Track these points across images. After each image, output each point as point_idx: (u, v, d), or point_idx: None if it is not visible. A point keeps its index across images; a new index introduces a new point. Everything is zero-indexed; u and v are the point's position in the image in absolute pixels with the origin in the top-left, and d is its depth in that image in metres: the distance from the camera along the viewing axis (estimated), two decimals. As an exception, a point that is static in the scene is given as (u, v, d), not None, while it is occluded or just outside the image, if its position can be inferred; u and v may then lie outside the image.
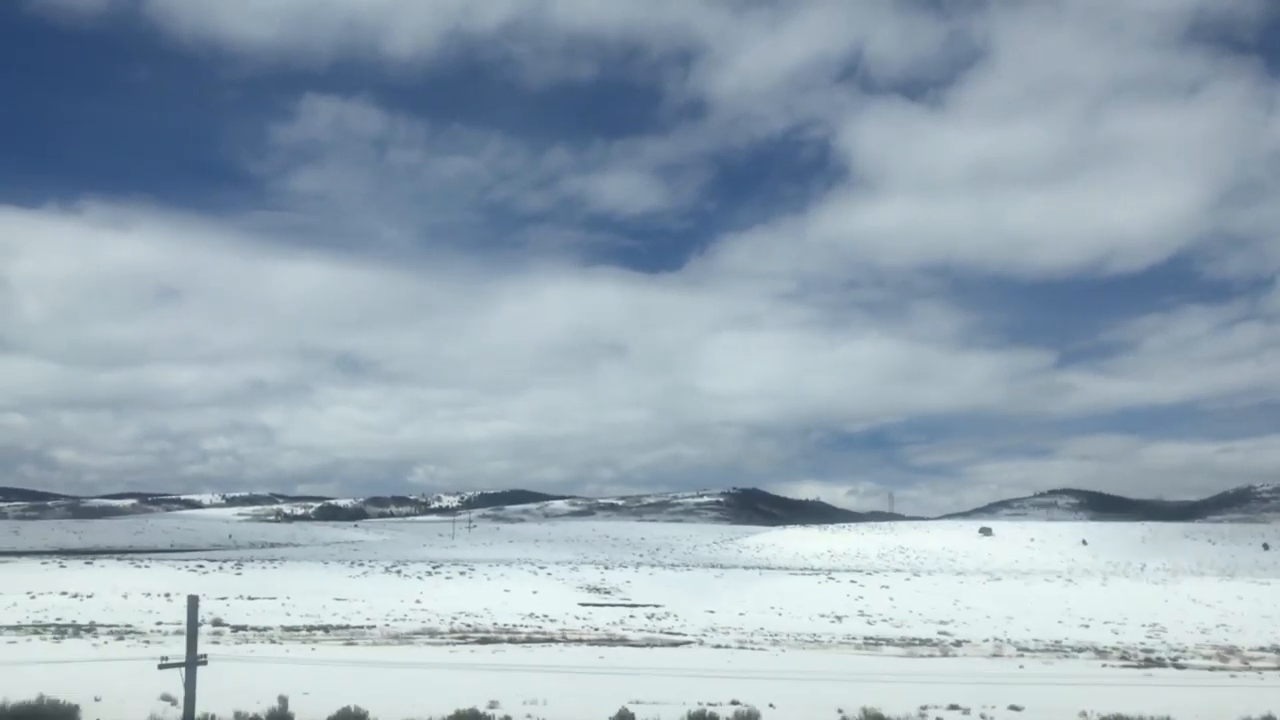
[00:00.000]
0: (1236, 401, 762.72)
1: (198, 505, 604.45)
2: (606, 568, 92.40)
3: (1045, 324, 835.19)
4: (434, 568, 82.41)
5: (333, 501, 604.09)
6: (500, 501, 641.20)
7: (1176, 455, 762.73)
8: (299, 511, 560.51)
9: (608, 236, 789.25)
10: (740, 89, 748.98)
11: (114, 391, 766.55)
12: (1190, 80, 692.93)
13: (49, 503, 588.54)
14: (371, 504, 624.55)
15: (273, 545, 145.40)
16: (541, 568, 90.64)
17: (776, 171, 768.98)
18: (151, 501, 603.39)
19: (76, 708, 24.49)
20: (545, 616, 63.93)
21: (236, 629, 50.42)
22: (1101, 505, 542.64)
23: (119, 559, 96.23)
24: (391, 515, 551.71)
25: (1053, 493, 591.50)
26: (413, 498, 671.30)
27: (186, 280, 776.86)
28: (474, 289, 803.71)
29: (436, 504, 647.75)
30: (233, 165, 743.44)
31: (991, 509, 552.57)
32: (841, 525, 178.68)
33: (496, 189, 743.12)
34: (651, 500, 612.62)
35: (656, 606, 70.74)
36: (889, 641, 55.51)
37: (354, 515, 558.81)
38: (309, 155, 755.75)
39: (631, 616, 66.03)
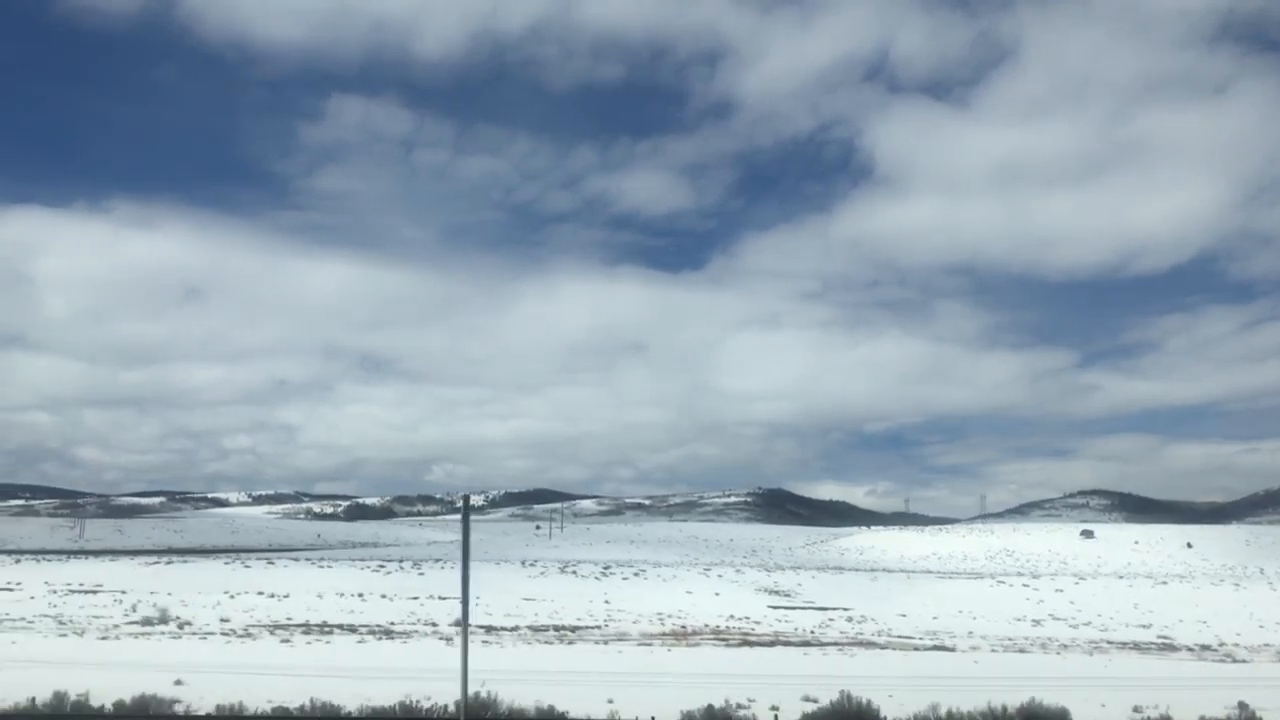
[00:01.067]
0: (1260, 401, 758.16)
1: (224, 503, 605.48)
2: (766, 570, 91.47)
3: (1068, 324, 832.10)
4: (604, 569, 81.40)
5: (360, 500, 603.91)
6: (524, 501, 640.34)
7: (1198, 456, 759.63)
8: (328, 510, 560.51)
9: (631, 236, 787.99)
10: (766, 89, 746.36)
11: (137, 390, 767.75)
12: (1218, 79, 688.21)
13: (79, 500, 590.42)
14: (398, 502, 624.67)
15: (371, 545, 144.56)
16: (709, 569, 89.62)
17: (801, 171, 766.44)
18: (179, 499, 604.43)
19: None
20: (748, 619, 62.82)
21: (491, 630, 49.46)
22: (1134, 506, 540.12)
23: (268, 559, 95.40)
24: (419, 514, 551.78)
25: (1082, 494, 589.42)
26: (438, 496, 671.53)
27: (211, 279, 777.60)
28: (496, 288, 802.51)
29: (461, 503, 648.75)
30: (259, 165, 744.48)
31: (1023, 510, 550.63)
32: (939, 528, 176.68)
33: (521, 189, 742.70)
34: (678, 500, 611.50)
35: (846, 609, 69.56)
36: (1170, 645, 54.20)
37: (381, 514, 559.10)
38: (335, 155, 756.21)
39: (831, 620, 64.75)
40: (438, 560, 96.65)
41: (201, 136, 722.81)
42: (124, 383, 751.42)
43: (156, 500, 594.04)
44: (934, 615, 68.03)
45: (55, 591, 63.88)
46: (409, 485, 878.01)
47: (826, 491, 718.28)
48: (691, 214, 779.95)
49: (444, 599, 62.00)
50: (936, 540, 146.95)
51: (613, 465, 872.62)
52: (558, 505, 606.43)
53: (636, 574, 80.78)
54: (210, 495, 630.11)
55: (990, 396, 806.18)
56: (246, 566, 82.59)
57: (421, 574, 76.53)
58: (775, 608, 68.79)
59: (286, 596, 65.11)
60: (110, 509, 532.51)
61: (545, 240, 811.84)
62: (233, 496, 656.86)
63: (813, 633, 57.53)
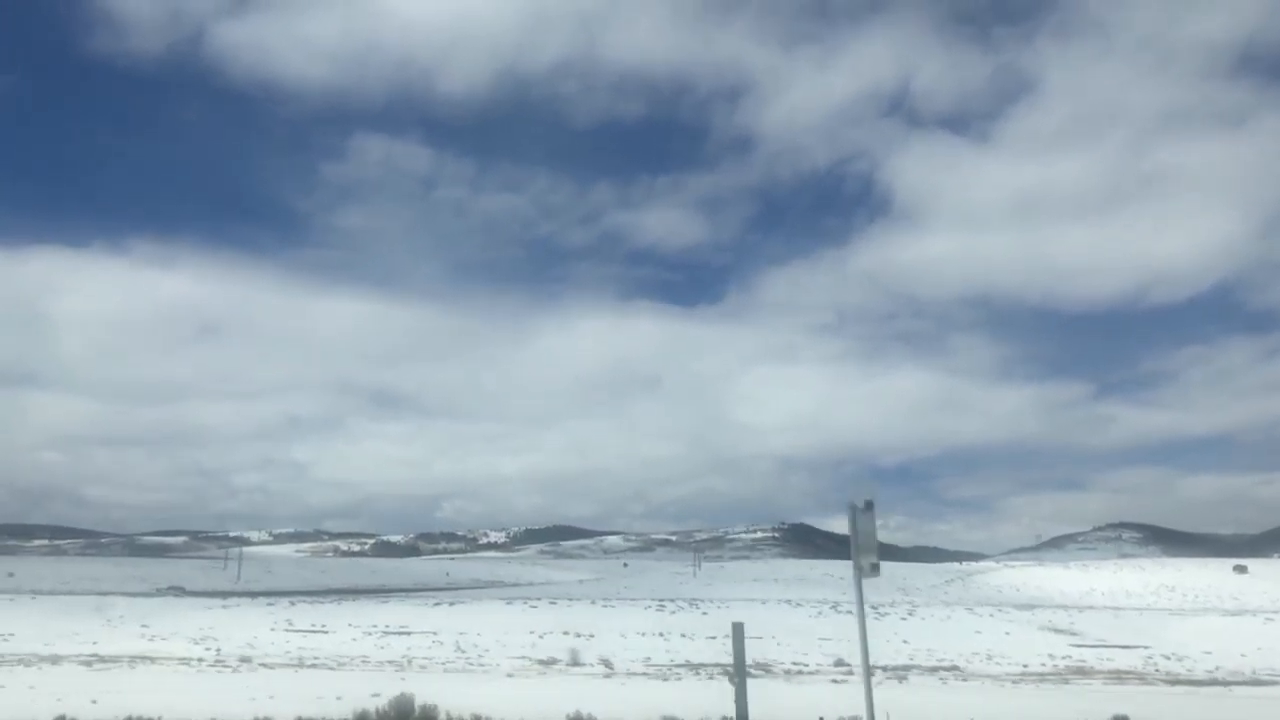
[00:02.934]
0: (1276, 432, 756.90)
1: (248, 542, 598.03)
2: (965, 607, 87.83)
3: (1085, 356, 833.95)
4: (873, 608, 77.63)
5: (384, 538, 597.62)
6: (544, 538, 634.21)
7: (1213, 487, 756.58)
8: (354, 548, 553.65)
9: (648, 271, 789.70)
10: (786, 124, 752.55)
11: (149, 428, 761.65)
12: (1238, 110, 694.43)
13: (103, 539, 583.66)
14: (422, 539, 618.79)
15: (499, 584, 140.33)
16: (914, 608, 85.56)
17: (819, 205, 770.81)
18: (203, 539, 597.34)
19: None
20: (1069, 658, 59.22)
21: (886, 670, 45.77)
22: (1168, 540, 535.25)
23: (422, 598, 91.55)
24: (444, 552, 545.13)
25: (1111, 526, 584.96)
26: (460, 534, 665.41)
27: (228, 317, 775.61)
28: (512, 324, 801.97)
29: (485, 539, 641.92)
30: (280, 203, 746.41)
31: (1057, 542, 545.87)
32: (1083, 564, 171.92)
33: (540, 225, 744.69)
34: (704, 536, 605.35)
35: (1146, 647, 65.95)
36: None
37: (407, 551, 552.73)
38: (355, 193, 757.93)
39: (1150, 659, 61.14)
40: (635, 600, 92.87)
41: (222, 175, 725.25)
42: (136, 421, 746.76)
43: (181, 539, 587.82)
44: (1242, 653, 64.43)
45: (370, 634, 60.28)
46: (417, 522, 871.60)
47: (839, 526, 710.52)
48: (708, 248, 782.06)
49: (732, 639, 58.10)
50: (1089, 576, 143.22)
51: (625, 500, 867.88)
52: (586, 541, 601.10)
53: (911, 614, 77.47)
54: (232, 534, 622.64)
55: (1005, 429, 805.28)
56: (437, 605, 79.16)
57: (672, 613, 72.97)
58: (1077, 645, 65.08)
59: (592, 636, 61.61)
60: (135, 548, 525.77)
61: (562, 276, 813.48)
62: (254, 535, 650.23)
63: (1158, 672, 54.03)
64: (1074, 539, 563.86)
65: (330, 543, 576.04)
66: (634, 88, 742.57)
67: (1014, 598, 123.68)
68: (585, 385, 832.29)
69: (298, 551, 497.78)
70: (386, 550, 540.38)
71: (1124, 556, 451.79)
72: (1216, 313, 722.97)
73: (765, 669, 44.07)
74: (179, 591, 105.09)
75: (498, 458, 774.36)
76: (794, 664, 47.45)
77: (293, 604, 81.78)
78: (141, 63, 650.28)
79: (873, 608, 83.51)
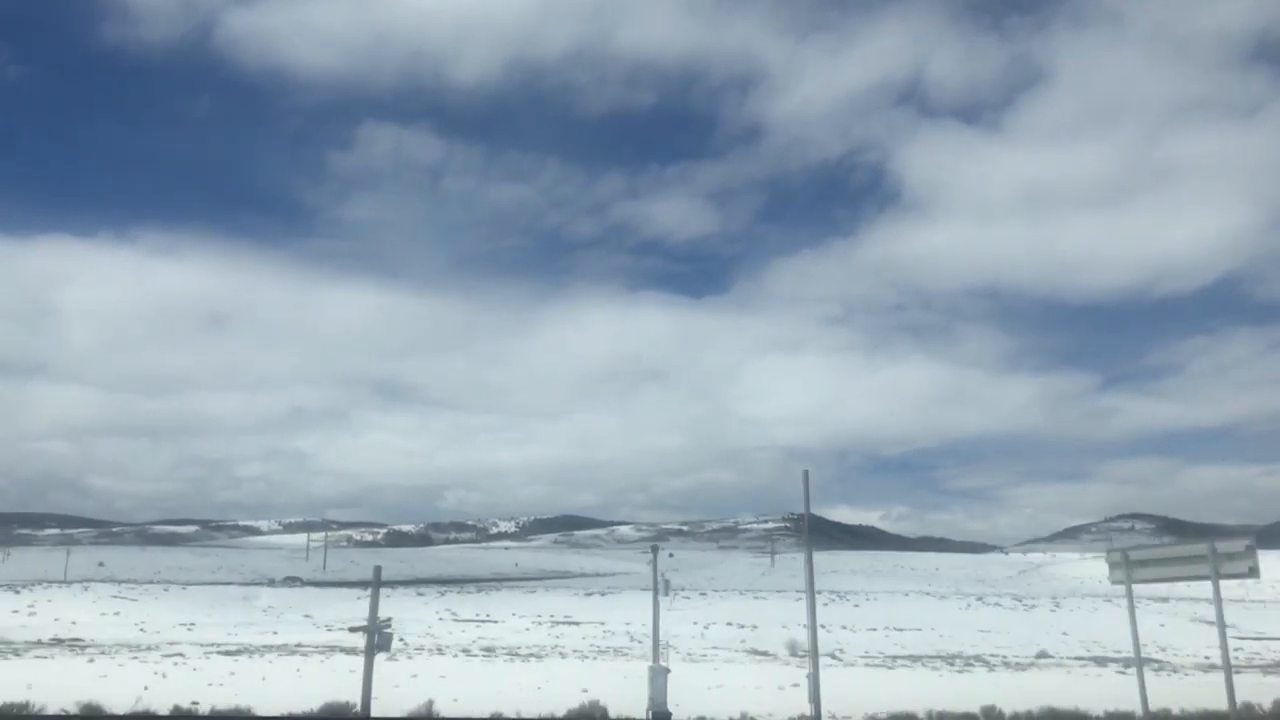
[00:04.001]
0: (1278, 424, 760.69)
1: (257, 532, 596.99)
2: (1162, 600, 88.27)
3: (1091, 347, 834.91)
4: (1017, 600, 78.10)
5: (396, 527, 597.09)
6: (554, 528, 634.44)
7: (1216, 478, 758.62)
8: (367, 538, 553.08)
9: (656, 261, 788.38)
10: (798, 114, 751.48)
11: (155, 418, 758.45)
12: (1250, 101, 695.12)
13: (114, 529, 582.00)
14: (433, 529, 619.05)
15: (575, 575, 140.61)
16: (1020, 600, 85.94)
17: (828, 195, 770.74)
18: (213, 528, 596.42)
19: None
20: (1242, 651, 59.87)
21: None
22: (1178, 530, 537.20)
23: (559, 589, 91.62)
24: (456, 541, 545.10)
25: (1123, 517, 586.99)
26: (469, 523, 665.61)
27: (235, 307, 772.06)
28: (518, 315, 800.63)
29: (495, 529, 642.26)
30: (288, 193, 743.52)
31: (1071, 532, 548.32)
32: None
33: (548, 215, 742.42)
34: (714, 526, 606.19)
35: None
36: None
37: (419, 541, 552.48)
38: (363, 183, 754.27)
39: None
40: (782, 591, 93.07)
41: (229, 165, 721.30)
42: (141, 411, 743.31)
43: (191, 529, 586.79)
44: None
45: (539, 624, 60.65)
46: (419, 512, 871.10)
47: (840, 516, 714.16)
48: (717, 239, 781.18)
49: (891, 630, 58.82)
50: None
51: (627, 491, 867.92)
52: (599, 531, 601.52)
53: (1057, 606, 77.96)
54: (242, 524, 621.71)
55: (1009, 420, 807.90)
56: (603, 595, 79.22)
57: (825, 604, 73.46)
58: (1241, 638, 65.62)
59: (755, 627, 62.13)
60: (149, 538, 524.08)
61: (570, 266, 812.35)
62: (263, 525, 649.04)
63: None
64: (1087, 529, 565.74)
65: (342, 532, 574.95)
66: (646, 77, 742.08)
67: (1100, 589, 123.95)
68: (591, 376, 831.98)
69: (313, 541, 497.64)
70: (400, 540, 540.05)
71: (1141, 548, 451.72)
72: (1223, 304, 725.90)
73: (981, 661, 44.26)
74: (294, 582, 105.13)
75: (501, 448, 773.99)
76: (1009, 657, 47.51)
77: (442, 594, 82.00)
78: (152, 51, 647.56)
79: (1017, 599, 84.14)
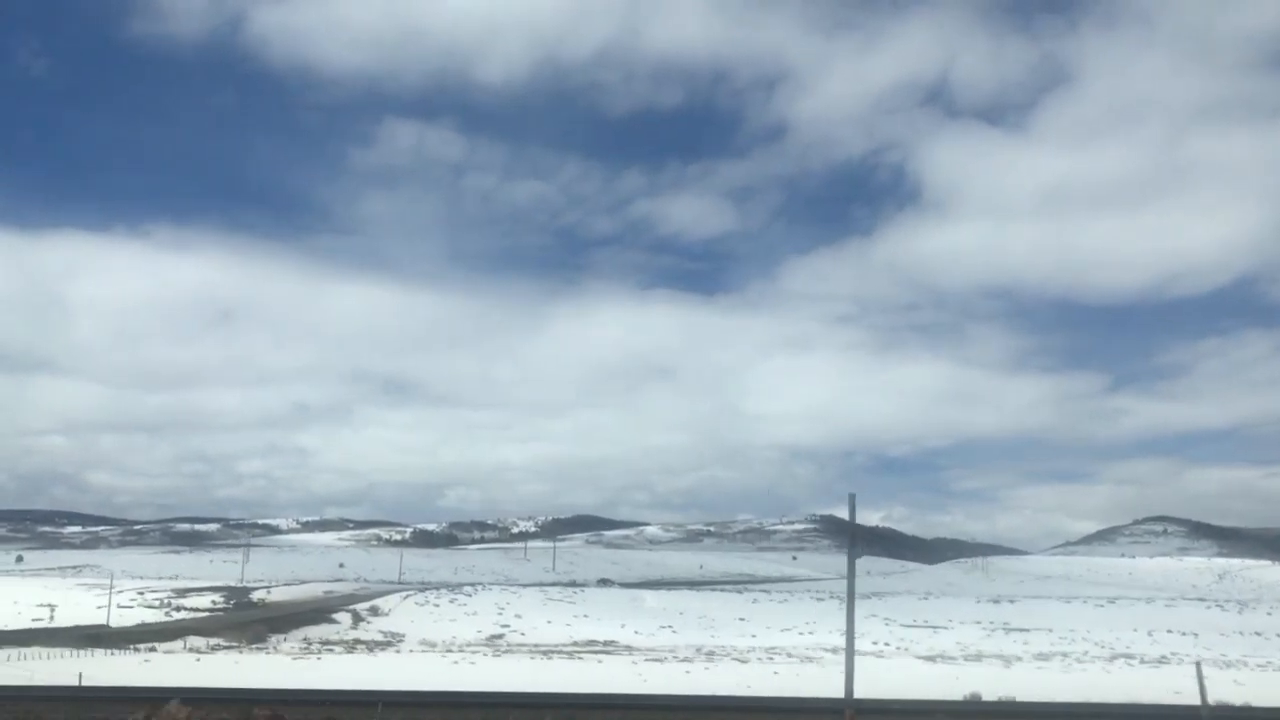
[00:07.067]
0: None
1: (277, 530, 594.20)
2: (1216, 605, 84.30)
3: (1102, 347, 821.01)
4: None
5: (423, 527, 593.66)
6: (575, 528, 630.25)
7: (1220, 479, 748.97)
8: (395, 537, 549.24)
9: (671, 259, 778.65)
10: (823, 113, 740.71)
11: (163, 414, 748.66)
12: (1273, 103, 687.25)
13: (136, 526, 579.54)
14: (455, 528, 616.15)
15: (735, 582, 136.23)
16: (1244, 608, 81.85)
17: (848, 194, 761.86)
18: (233, 526, 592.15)
19: None
20: None
21: None
22: (1211, 535, 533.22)
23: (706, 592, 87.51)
24: (481, 541, 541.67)
25: (1153, 519, 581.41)
26: (490, 522, 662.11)
27: (245, 304, 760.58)
28: (529, 312, 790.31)
29: (516, 529, 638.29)
30: (306, 189, 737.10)
31: (1106, 535, 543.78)
32: (1171, 557, 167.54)
33: (567, 213, 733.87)
34: (742, 527, 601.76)
35: None
36: None
37: (446, 541, 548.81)
38: (382, 180, 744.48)
39: None
40: (959, 596, 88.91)
41: (248, 161, 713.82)
42: (149, 407, 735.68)
43: (214, 527, 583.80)
44: None
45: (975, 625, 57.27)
46: (428, 510, 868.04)
47: (864, 518, 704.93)
48: (735, 237, 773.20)
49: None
50: (1261, 572, 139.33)
51: (630, 489, 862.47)
52: (628, 532, 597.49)
53: (1171, 603, 75.08)
54: (262, 522, 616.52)
55: (1016, 420, 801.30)
56: (754, 601, 75.16)
57: (1013, 604, 69.39)
58: None
59: (940, 628, 58.48)
60: (174, 536, 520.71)
61: (585, 264, 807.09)
62: (282, 523, 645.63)
63: None
64: (1120, 532, 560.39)
65: (372, 530, 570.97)
66: (673, 76, 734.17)
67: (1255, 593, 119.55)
68: (598, 374, 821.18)
69: (340, 540, 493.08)
70: (426, 540, 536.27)
71: (1182, 551, 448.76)
72: (1236, 305, 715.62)
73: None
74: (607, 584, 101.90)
75: (511, 446, 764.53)
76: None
77: (752, 600, 77.67)
78: (179, 47, 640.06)
79: (1146, 601, 79.80)
